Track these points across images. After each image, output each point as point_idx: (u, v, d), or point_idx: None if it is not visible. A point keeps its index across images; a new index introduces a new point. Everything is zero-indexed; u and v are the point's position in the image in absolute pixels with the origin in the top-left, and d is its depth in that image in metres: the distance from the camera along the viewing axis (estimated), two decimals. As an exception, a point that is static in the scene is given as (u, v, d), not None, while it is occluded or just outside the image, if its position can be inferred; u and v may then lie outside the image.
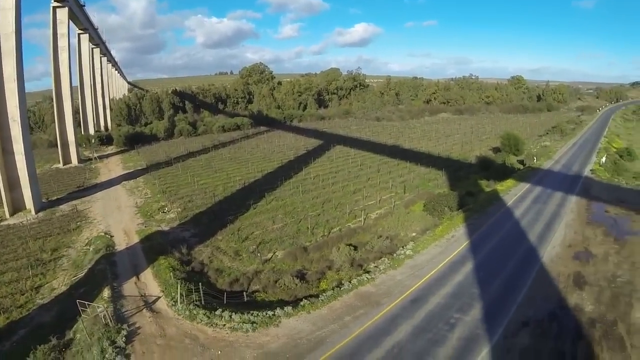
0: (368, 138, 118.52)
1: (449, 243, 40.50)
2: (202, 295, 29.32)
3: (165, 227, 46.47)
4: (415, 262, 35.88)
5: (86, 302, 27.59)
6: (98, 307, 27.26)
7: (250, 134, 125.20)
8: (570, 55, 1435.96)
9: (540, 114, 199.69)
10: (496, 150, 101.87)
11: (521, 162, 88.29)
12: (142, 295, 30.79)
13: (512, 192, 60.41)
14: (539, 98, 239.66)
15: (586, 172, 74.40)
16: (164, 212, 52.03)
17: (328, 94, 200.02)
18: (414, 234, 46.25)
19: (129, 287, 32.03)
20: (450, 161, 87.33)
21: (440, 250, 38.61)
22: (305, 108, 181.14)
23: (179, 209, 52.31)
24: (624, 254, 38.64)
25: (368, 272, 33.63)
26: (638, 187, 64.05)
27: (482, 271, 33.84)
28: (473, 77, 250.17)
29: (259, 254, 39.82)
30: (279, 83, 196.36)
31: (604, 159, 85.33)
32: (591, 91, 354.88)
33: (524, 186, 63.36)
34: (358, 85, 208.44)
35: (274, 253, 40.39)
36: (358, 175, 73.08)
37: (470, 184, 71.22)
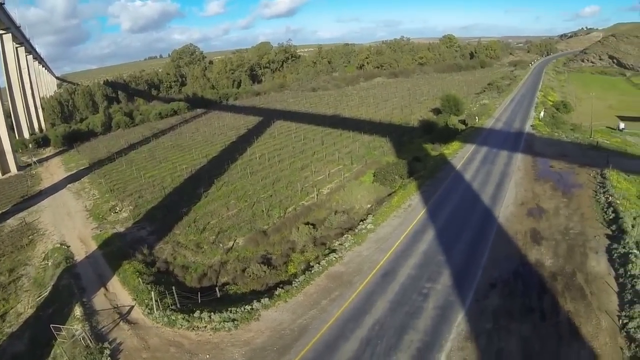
0: (307, 110, 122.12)
1: (407, 213, 42.91)
2: (176, 298, 29.73)
3: (120, 229, 47.18)
4: (378, 235, 37.89)
5: (60, 326, 27.22)
6: (75, 329, 26.94)
7: (188, 117, 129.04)
8: (499, 10, 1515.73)
9: (475, 71, 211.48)
10: (436, 111, 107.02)
11: (463, 122, 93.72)
12: (115, 307, 30.78)
13: (459, 154, 64.52)
14: (471, 55, 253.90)
15: (527, 128, 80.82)
16: (115, 212, 52.98)
17: (261, 69, 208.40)
18: (368, 206, 48.76)
19: (99, 301, 32.06)
20: (392, 127, 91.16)
21: (400, 220, 40.90)
22: (239, 85, 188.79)
23: (131, 207, 53.36)
24: (573, 206, 43.15)
25: (334, 250, 35.19)
26: (577, 140, 70.89)
27: (444, 237, 36.46)
28: (405, 39, 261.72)
29: (220, 244, 41.17)
30: (211, 62, 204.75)
31: (542, 114, 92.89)
32: (521, 45, 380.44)
33: (470, 147, 67.76)
34: (290, 57, 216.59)
35: (235, 241, 41.93)
36: (303, 150, 75.55)
37: (416, 148, 74.92)
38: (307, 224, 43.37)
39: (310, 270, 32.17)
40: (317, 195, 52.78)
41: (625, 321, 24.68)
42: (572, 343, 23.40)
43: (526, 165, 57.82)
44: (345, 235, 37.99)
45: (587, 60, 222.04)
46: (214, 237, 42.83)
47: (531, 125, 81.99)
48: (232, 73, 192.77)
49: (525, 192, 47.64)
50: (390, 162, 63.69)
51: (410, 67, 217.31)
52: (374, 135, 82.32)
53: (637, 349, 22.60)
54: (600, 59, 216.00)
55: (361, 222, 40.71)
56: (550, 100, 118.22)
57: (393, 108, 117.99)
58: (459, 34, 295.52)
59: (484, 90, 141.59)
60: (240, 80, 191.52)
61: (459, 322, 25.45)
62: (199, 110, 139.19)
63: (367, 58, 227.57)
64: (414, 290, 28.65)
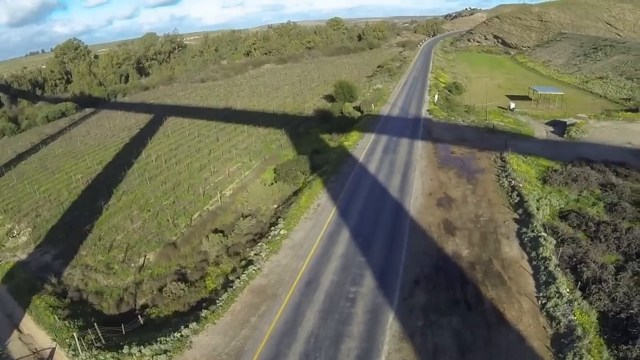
0: (198, 104, 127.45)
1: (318, 214, 44.83)
2: (99, 332, 29.48)
3: (22, 256, 46.56)
4: (292, 241, 39.28)
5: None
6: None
7: (77, 119, 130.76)
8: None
9: (363, 53, 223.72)
10: (330, 98, 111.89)
11: (358, 108, 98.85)
12: (34, 353, 30.19)
13: (359, 145, 68.27)
14: (359, 37, 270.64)
15: (424, 113, 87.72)
16: (13, 236, 52.31)
17: (148, 61, 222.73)
18: (275, 206, 51.35)
19: (16, 346, 31.30)
20: (287, 117, 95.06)
21: (312, 223, 42.66)
22: (127, 80, 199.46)
23: (30, 229, 52.74)
24: (479, 193, 48.28)
25: (251, 262, 36.00)
26: (473, 124, 78.63)
27: (359, 237, 38.85)
28: (291, 23, 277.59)
29: (131, 262, 42.19)
30: (96, 57, 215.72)
31: (436, 97, 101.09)
32: (407, 25, 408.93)
33: (370, 137, 71.95)
34: (177, 47, 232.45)
35: (145, 257, 43.07)
36: (199, 149, 77.94)
37: (314, 140, 78.19)
38: (216, 231, 45.10)
39: (232, 286, 32.81)
40: (221, 198, 55.09)
41: (543, 301, 28.89)
42: (500, 329, 26.80)
43: (428, 152, 62.95)
44: (259, 244, 39.13)
45: (474, 40, 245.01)
46: (122, 254, 43.75)
47: (427, 110, 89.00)
48: (119, 67, 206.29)
49: (432, 181, 52.09)
50: (290, 156, 66.31)
51: (298, 51, 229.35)
52: (270, 127, 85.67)
53: (558, 326, 26.67)
54: (485, 39, 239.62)
55: (273, 227, 41.93)
56: (442, 82, 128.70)
57: (285, 97, 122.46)
58: (345, 15, 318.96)
59: (375, 74, 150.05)
60: (128, 74, 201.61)
61: (391, 324, 27.68)
62: (87, 110, 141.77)
63: (254, 44, 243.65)
64: (340, 296, 30.38)
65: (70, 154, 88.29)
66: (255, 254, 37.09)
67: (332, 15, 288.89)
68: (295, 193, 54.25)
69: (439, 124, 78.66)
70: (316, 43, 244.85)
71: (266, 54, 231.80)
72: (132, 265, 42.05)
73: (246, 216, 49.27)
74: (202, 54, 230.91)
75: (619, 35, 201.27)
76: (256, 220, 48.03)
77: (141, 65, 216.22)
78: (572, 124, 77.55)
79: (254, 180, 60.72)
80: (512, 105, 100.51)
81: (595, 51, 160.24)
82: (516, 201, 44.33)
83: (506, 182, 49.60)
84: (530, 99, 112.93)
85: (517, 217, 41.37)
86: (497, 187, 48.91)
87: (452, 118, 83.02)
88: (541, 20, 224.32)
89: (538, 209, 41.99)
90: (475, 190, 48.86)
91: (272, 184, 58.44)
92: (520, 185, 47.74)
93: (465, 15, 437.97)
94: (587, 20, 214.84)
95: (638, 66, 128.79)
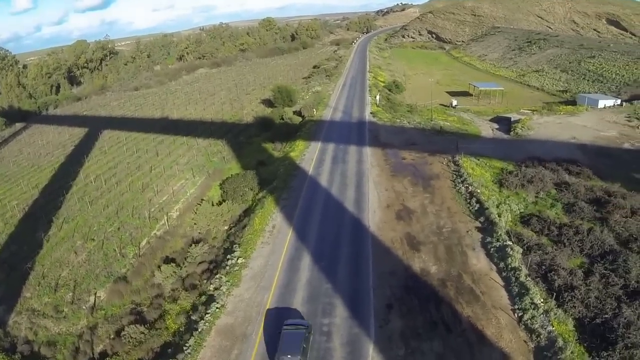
0: (133, 114, 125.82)
1: (274, 237, 44.02)
2: None
3: None
4: (252, 270, 38.26)
5: None
6: None
7: (7, 136, 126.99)
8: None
9: (298, 54, 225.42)
10: (268, 103, 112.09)
11: (298, 113, 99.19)
12: None
13: (306, 155, 68.02)
14: (293, 37, 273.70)
15: (367, 115, 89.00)
16: None
17: (79, 69, 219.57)
18: (225, 228, 50.77)
19: None
20: (226, 126, 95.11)
21: (270, 248, 41.77)
22: (58, 90, 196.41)
23: None
24: (437, 201, 49.22)
25: (213, 297, 34.74)
26: (420, 125, 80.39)
27: (322, 260, 38.46)
28: (224, 25, 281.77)
29: (81, 303, 40.81)
30: (25, 67, 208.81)
31: (378, 97, 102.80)
32: (339, 22, 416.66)
33: (316, 146, 71.84)
34: (108, 54, 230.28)
35: (96, 295, 41.65)
36: (139, 166, 76.00)
37: (257, 150, 78.19)
38: (167, 260, 44.25)
39: (197, 328, 31.45)
40: (168, 221, 53.94)
41: (520, 314, 29.75)
42: (482, 349, 27.36)
43: (378, 159, 63.62)
44: (217, 276, 37.92)
45: (408, 36, 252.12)
46: (70, 294, 42.14)
47: (371, 113, 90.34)
48: (49, 77, 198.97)
49: (387, 192, 52.55)
50: (234, 170, 66.44)
51: (232, 54, 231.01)
52: (210, 138, 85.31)
53: (539, 339, 27.48)
54: (420, 34, 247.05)
55: (229, 256, 40.80)
56: (381, 81, 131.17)
57: (222, 103, 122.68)
58: (276, 15, 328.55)
59: (312, 75, 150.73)
60: (59, 84, 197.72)
61: (372, 356, 27.51)
62: (18, 125, 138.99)
63: (186, 48, 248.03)
64: (314, 330, 29.76)
65: (2, 177, 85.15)
66: (215, 288, 35.93)
67: (263, 15, 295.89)
68: (246, 212, 53.57)
69: (384, 128, 79.83)
70: (249, 45, 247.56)
71: (200, 58, 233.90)
72: (83, 306, 40.40)
73: (197, 241, 48.16)
74: (135, 60, 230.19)
75: (550, 28, 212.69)
76: (208, 245, 46.99)
77: (72, 74, 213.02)
78: (517, 121, 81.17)
79: (200, 199, 59.65)
80: (454, 102, 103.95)
81: (529, 45, 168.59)
82: (476, 208, 45.57)
83: (463, 188, 50.99)
84: (471, 95, 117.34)
85: (480, 225, 42.54)
86: (454, 194, 50.12)
87: (398, 120, 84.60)
88: (474, 15, 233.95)
89: (499, 216, 43.36)
90: (433, 199, 49.73)
91: (220, 203, 57.28)
92: (478, 191, 49.05)
93: (397, 11, 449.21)
94: (519, 14, 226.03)
95: (572, 59, 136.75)
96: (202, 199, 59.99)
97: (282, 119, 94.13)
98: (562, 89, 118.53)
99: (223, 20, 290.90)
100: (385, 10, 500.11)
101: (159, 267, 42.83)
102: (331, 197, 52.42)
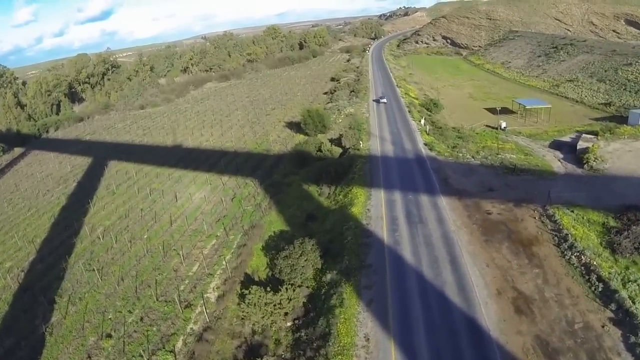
0: (141, 140, 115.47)
1: (373, 357, 31.60)
2: None
3: None
4: None
5: None
6: None
7: (3, 165, 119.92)
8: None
9: (309, 63, 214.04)
10: (294, 126, 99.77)
11: (336, 141, 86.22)
12: None
13: (372, 212, 54.31)
14: (301, 45, 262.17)
15: (421, 147, 75.89)
16: None
17: (80, 85, 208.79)
18: (287, 324, 39.06)
19: None
20: (252, 158, 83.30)
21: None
22: (59, 109, 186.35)
23: None
24: (551, 280, 37.64)
25: None
26: (487, 161, 67.47)
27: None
28: (228, 34, 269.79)
29: None
30: (24, 83, 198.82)
31: (423, 122, 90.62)
32: (341, 26, 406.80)
33: (378, 195, 58.39)
34: (110, 68, 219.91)
35: None
36: (155, 214, 64.26)
37: (299, 195, 65.13)
38: None
39: None
40: (206, 308, 40.75)
41: None
42: None
43: (461, 216, 50.97)
44: None
45: (422, 42, 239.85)
46: None
47: (424, 144, 77.28)
48: (49, 95, 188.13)
49: (490, 269, 40.36)
50: (276, 225, 55.20)
51: (240, 65, 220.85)
52: (236, 175, 73.78)
53: None
54: (434, 40, 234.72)
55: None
56: (413, 98, 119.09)
57: (241, 126, 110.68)
58: (276, 21, 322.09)
59: (335, 90, 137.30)
60: (60, 102, 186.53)
61: None
62: (17, 151, 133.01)
63: (191, 60, 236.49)
64: None
65: (-6, 223, 75.21)
66: None
67: (263, 22, 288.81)
68: (310, 299, 41.27)
69: (448, 165, 66.58)
70: (257, 55, 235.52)
71: (207, 70, 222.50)
72: None
73: (254, 345, 36.00)
74: (138, 73, 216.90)
75: (568, 30, 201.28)
76: (275, 358, 34.42)
77: (73, 90, 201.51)
78: (585, 150, 68.01)
79: (241, 273, 46.04)
80: (504, 124, 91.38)
81: (556, 50, 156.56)
82: (600, 289, 34.81)
83: (574, 257, 39.70)
84: (513, 112, 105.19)
85: (612, 315, 32.04)
86: (566, 267, 38.99)
87: (460, 154, 71.21)
88: (490, 19, 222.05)
89: (634, 301, 32.53)
90: (546, 278, 38.05)
91: (267, 279, 44.49)
92: (595, 263, 37.82)
93: (400, 15, 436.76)
94: (535, 17, 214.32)
95: (606, 66, 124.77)
96: (245, 272, 46.65)
97: (320, 150, 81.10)
98: (603, 101, 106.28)
99: (223, 28, 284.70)
100: (389, 14, 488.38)
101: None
102: (426, 284, 39.10)
